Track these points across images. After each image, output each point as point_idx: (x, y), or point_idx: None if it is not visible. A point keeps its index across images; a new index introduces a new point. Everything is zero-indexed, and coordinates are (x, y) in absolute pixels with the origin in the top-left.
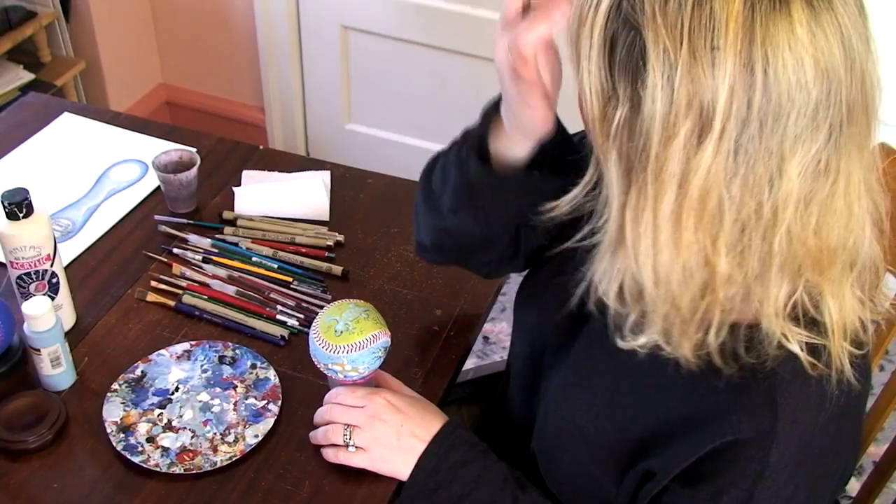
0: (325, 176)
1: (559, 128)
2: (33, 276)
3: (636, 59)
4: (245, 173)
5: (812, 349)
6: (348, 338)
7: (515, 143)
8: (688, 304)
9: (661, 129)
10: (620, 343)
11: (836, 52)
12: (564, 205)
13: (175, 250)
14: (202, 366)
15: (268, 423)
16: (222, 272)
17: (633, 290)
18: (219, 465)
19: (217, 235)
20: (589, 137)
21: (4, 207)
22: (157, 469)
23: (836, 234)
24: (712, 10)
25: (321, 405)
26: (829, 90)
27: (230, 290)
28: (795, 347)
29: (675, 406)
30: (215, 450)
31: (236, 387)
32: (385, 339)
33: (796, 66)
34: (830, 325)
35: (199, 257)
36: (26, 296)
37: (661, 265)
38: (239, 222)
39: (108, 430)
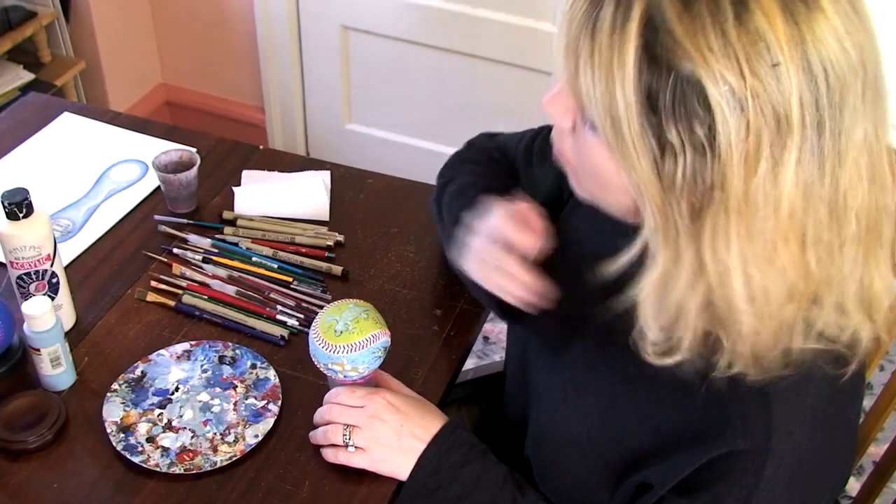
0: (325, 176)
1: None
2: (33, 276)
3: (687, 101)
4: (245, 173)
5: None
6: (348, 338)
7: None
8: (778, 313)
9: (741, 160)
10: (652, 360)
11: (860, 29)
12: (617, 268)
13: (175, 250)
14: (202, 366)
15: (268, 423)
16: (222, 272)
17: (711, 317)
18: (219, 465)
19: (217, 235)
20: (637, 202)
21: (4, 207)
22: (157, 469)
23: (883, 198)
24: (758, 29)
25: (321, 405)
26: (868, 64)
27: (230, 290)
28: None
29: (670, 418)
30: (215, 450)
31: (236, 387)
32: (385, 338)
33: (843, 52)
34: (872, 297)
35: (199, 257)
36: (26, 296)
37: (754, 284)
38: (239, 222)
39: (108, 430)
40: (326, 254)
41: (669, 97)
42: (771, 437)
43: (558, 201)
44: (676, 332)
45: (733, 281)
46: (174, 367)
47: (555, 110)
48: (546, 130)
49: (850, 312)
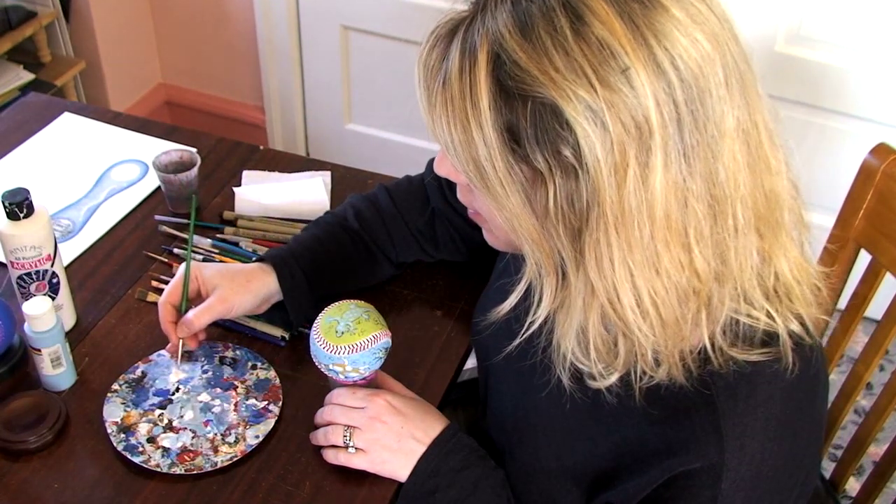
0: (325, 176)
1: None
2: (34, 276)
3: (548, 126)
4: (245, 173)
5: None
6: (349, 338)
7: None
8: (675, 316)
9: (611, 174)
10: (593, 384)
11: (710, 18)
12: (503, 312)
13: (175, 250)
14: (202, 366)
15: (268, 424)
16: None
17: (611, 334)
18: (219, 465)
19: (217, 235)
20: (509, 239)
21: (5, 207)
22: (158, 469)
23: (771, 183)
24: (599, 38)
25: (322, 406)
26: (724, 52)
27: None
28: (762, 318)
29: (628, 441)
30: (216, 450)
31: (237, 387)
32: (386, 339)
33: (692, 44)
34: (786, 284)
35: (200, 257)
36: (27, 296)
37: (643, 295)
38: (239, 222)
39: (109, 431)
40: None
41: (530, 126)
42: (724, 452)
43: None
44: (592, 355)
45: (622, 296)
46: (174, 367)
47: (445, 171)
48: None
49: (756, 302)
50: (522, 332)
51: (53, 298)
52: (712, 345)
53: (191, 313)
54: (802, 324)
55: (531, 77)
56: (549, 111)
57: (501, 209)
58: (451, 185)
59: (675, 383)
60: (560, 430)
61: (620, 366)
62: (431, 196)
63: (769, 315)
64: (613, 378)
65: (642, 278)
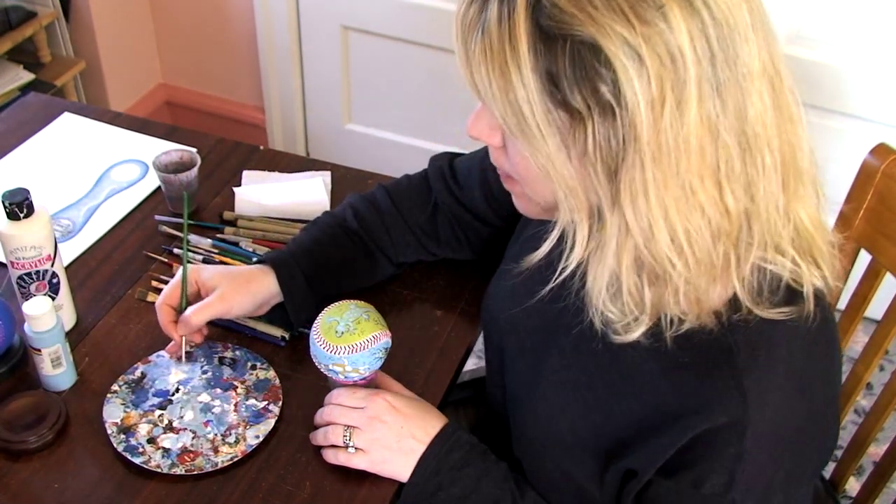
0: (325, 176)
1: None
2: (34, 276)
3: (587, 64)
4: (245, 173)
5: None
6: (349, 339)
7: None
8: (709, 254)
9: (648, 109)
10: (617, 338)
11: None
12: (537, 258)
13: (175, 250)
14: (202, 367)
15: (268, 424)
16: None
17: (641, 280)
18: (220, 465)
19: (217, 235)
20: (549, 183)
21: (5, 207)
22: (158, 470)
23: (793, 131)
24: None
25: (321, 406)
26: None
27: None
28: (787, 265)
29: (647, 403)
30: (216, 451)
31: (237, 388)
32: (385, 339)
33: None
34: (807, 238)
35: (200, 258)
36: (27, 296)
37: (678, 230)
38: (239, 222)
39: (109, 431)
40: None
41: (569, 66)
42: (747, 408)
43: None
44: (624, 301)
45: (657, 233)
46: (174, 368)
47: (479, 132)
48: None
49: (785, 249)
50: (555, 277)
51: (53, 298)
52: (737, 296)
53: (189, 310)
54: (823, 278)
55: (570, 16)
56: (588, 49)
57: (537, 153)
58: (457, 179)
59: (701, 333)
60: (575, 401)
61: (648, 316)
62: (436, 189)
63: (795, 262)
64: (640, 331)
65: (677, 214)
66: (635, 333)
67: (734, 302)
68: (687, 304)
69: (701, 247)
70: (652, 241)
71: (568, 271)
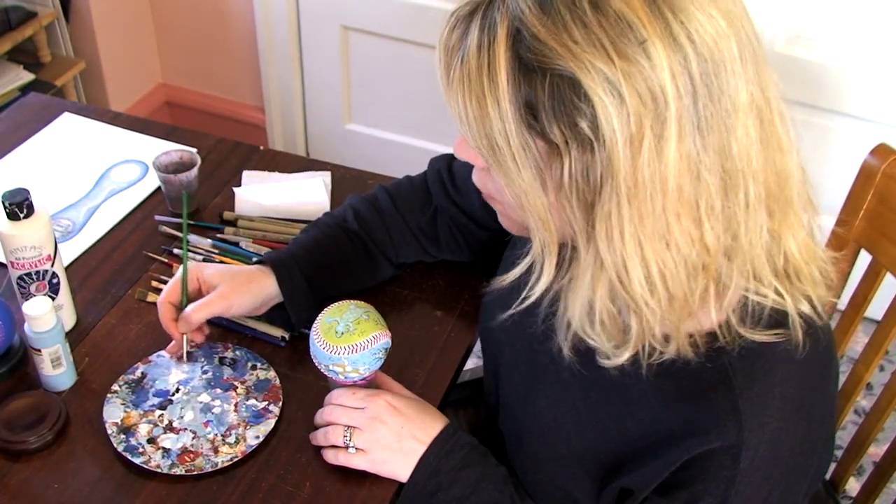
0: (325, 177)
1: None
2: (34, 277)
3: (565, 98)
4: (245, 174)
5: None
6: (349, 339)
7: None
8: (684, 291)
9: (626, 146)
10: (605, 363)
11: None
12: (508, 281)
13: (175, 251)
14: (202, 367)
15: (269, 424)
16: None
17: (617, 308)
18: (220, 466)
19: (218, 235)
20: (519, 216)
21: (5, 207)
22: (158, 470)
23: (782, 161)
24: (617, 12)
25: (322, 406)
26: (738, 28)
27: None
28: (770, 295)
29: (642, 423)
30: (216, 451)
31: (237, 388)
32: (385, 340)
33: (708, 19)
34: (795, 265)
35: (200, 258)
36: (27, 296)
37: (652, 268)
38: (239, 223)
39: (109, 431)
40: None
41: (548, 99)
42: (742, 431)
43: None
44: (604, 329)
45: (631, 269)
46: (174, 368)
47: (465, 155)
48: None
49: (765, 279)
50: (516, 304)
51: (53, 299)
52: (722, 323)
53: (189, 308)
54: (812, 304)
55: (550, 49)
56: (567, 83)
57: (511, 184)
58: (455, 183)
59: (687, 361)
60: (570, 417)
61: (631, 343)
62: (434, 193)
63: (778, 293)
64: (625, 356)
65: (652, 251)
66: (620, 358)
67: (726, 326)
68: (662, 335)
69: (675, 283)
70: (626, 276)
71: (531, 300)
